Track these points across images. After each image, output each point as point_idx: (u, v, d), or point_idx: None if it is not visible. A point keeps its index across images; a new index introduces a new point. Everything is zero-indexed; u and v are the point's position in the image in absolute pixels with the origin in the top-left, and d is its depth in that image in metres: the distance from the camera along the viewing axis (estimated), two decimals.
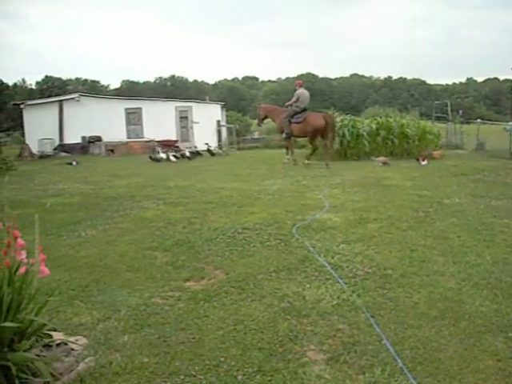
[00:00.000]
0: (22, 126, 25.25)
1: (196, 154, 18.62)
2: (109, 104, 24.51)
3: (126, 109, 24.13)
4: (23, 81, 64.61)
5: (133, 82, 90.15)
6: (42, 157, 21.24)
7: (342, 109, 26.60)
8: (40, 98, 34.38)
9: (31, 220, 2.78)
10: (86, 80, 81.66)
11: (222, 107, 28.51)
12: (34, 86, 63.68)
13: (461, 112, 23.79)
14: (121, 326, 3.38)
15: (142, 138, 22.44)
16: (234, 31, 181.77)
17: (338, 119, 16.42)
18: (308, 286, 4.09)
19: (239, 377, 2.73)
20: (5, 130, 36.08)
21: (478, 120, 20.28)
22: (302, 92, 14.08)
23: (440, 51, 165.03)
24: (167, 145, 19.46)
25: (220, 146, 23.46)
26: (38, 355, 2.56)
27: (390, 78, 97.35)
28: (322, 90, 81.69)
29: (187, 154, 17.95)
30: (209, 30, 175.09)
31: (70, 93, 31.32)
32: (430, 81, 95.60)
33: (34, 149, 21.90)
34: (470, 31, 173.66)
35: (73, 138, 22.92)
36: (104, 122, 22.60)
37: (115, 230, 6.25)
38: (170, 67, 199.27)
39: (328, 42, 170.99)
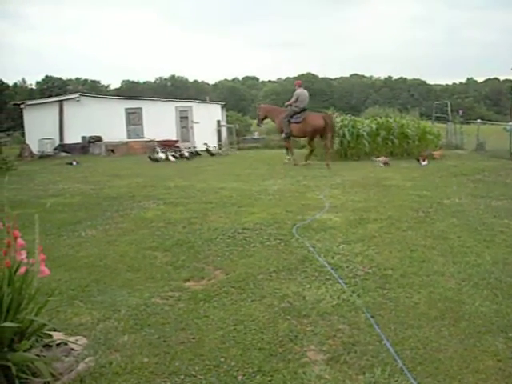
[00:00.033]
0: (22, 126, 25.26)
1: (195, 154, 18.62)
2: (109, 104, 24.50)
3: (127, 109, 24.13)
4: (23, 81, 64.70)
5: (133, 82, 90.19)
6: (42, 157, 21.25)
7: (342, 109, 26.62)
8: (40, 98, 34.40)
9: (31, 220, 2.78)
10: (86, 80, 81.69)
11: (222, 107, 28.50)
12: (34, 86, 63.76)
13: (461, 112, 23.80)
14: (121, 326, 3.38)
15: (143, 138, 22.42)
16: (234, 31, 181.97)
17: (338, 119, 16.44)
18: (308, 286, 4.09)
19: (239, 377, 2.73)
20: (5, 130, 36.09)
21: (478, 120, 20.29)
22: (302, 92, 14.08)
23: (440, 51, 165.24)
24: (167, 145, 19.46)
25: (220, 146, 23.47)
26: (38, 355, 2.56)
27: (390, 78, 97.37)
28: (322, 90, 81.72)
29: (186, 154, 17.96)
30: (209, 30, 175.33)
31: (71, 93, 31.34)
32: (430, 81, 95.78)
33: (34, 149, 21.90)
34: (470, 31, 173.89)
35: (73, 138, 22.93)
36: (104, 122, 22.60)
37: (115, 230, 6.25)
38: (170, 67, 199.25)
39: (328, 42, 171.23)
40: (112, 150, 21.52)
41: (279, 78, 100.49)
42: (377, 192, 8.73)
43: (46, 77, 64.45)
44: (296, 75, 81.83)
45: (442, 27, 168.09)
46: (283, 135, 14.49)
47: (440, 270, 4.42)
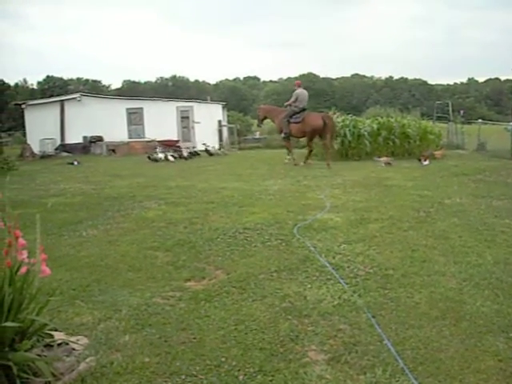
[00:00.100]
0: (23, 126, 25.29)
1: (194, 154, 18.62)
2: (110, 104, 24.52)
3: (128, 109, 24.15)
4: (24, 81, 64.84)
5: (134, 82, 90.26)
6: (44, 157, 21.27)
7: (343, 109, 26.57)
8: (41, 97, 34.48)
9: (32, 220, 2.78)
10: (87, 80, 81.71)
11: (224, 107, 28.52)
12: (35, 86, 63.91)
13: (462, 112, 23.79)
14: (122, 326, 3.38)
15: (144, 138, 22.44)
16: (234, 31, 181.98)
17: (339, 119, 16.44)
18: (309, 286, 4.09)
19: (240, 377, 2.73)
20: (6, 130, 36.12)
21: (479, 120, 20.27)
22: (301, 92, 14.08)
23: (440, 51, 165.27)
24: (168, 145, 19.48)
25: (221, 146, 23.47)
26: (39, 355, 2.56)
27: (391, 78, 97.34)
28: (323, 90, 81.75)
29: (184, 154, 17.96)
30: (209, 30, 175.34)
31: (72, 93, 31.38)
32: (431, 81, 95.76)
33: (36, 149, 21.93)
34: (470, 31, 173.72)
35: (74, 137, 22.96)
36: (105, 121, 22.62)
37: (116, 229, 6.26)
38: (171, 67, 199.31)
39: (328, 42, 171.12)
40: (113, 150, 21.52)
41: (280, 78, 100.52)
42: (378, 192, 8.72)
43: (47, 77, 64.59)
44: (297, 75, 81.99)
45: (442, 27, 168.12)
46: (282, 135, 14.50)
47: (441, 270, 4.42)
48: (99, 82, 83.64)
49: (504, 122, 24.44)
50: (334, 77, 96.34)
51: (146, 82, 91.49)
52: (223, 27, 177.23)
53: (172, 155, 17.52)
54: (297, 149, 16.60)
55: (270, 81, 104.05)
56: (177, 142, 21.03)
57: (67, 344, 2.79)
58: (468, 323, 3.34)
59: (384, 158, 13.84)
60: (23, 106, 23.99)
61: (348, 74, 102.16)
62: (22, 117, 24.49)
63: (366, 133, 15.67)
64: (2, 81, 46.19)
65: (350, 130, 15.64)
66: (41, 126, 22.56)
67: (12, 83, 53.49)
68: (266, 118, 15.57)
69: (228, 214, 6.95)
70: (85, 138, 22.99)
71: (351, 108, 47.43)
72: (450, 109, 23.42)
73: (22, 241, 2.67)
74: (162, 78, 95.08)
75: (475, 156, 16.05)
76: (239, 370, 2.79)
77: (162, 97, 33.33)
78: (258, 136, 29.98)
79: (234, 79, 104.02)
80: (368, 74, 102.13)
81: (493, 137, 18.28)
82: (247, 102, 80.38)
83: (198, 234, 5.84)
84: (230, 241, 5.52)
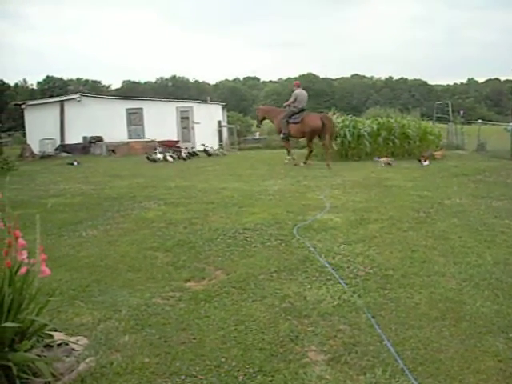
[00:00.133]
0: (23, 127, 25.30)
1: (193, 154, 18.62)
2: (110, 104, 24.53)
3: (127, 109, 24.16)
4: (24, 81, 64.87)
5: (134, 83, 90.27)
6: (43, 157, 21.27)
7: (343, 109, 26.61)
8: (41, 98, 34.50)
9: (32, 220, 2.78)
10: (87, 80, 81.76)
11: (223, 108, 28.54)
12: (35, 86, 63.95)
13: (462, 112, 23.83)
14: (122, 326, 3.38)
15: (143, 138, 22.45)
16: (234, 31, 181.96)
17: (339, 120, 16.45)
18: (309, 286, 4.09)
19: (240, 377, 2.73)
20: (6, 131, 36.11)
21: (479, 120, 20.28)
22: (300, 92, 14.09)
23: (440, 51, 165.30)
24: (168, 145, 19.46)
25: (220, 147, 23.47)
26: (38, 355, 2.56)
27: (390, 78, 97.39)
28: (323, 91, 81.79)
29: (183, 154, 17.96)
30: (209, 30, 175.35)
31: (71, 93, 31.40)
32: (431, 81, 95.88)
33: (36, 149, 21.93)
34: (470, 31, 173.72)
35: (74, 138, 22.96)
36: (105, 122, 22.63)
37: (116, 230, 6.26)
38: (171, 67, 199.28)
39: (328, 42, 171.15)
40: (113, 151, 21.53)
41: (280, 79, 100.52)
42: (378, 192, 8.73)
43: (47, 77, 64.62)
44: (297, 75, 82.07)
45: (442, 27, 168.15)
46: (281, 135, 14.51)
47: (441, 271, 4.42)
48: (99, 82, 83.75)
49: (504, 122, 24.48)
50: (333, 77, 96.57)
51: (145, 83, 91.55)
52: (223, 27, 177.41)
53: (171, 155, 17.53)
54: (297, 149, 16.62)
55: (270, 81, 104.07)
56: (177, 142, 21.02)
57: (67, 344, 2.79)
58: (468, 324, 3.34)
59: (384, 159, 13.84)
60: (23, 107, 24.00)
61: (348, 75, 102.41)
62: (22, 117, 24.50)
63: (365, 133, 15.67)
64: (1, 81, 46.23)
65: (349, 131, 15.64)
66: (41, 127, 22.57)
67: (12, 83, 53.63)
68: (265, 118, 15.61)
69: (228, 215, 6.95)
70: (84, 138, 22.99)
71: (351, 108, 47.48)
72: (450, 109, 23.44)
73: (21, 241, 2.67)
74: (161, 78, 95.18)
75: (475, 156, 16.05)
76: (239, 371, 2.79)
77: (162, 97, 33.38)
78: (257, 136, 30.00)
79: (234, 79, 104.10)
80: (368, 75, 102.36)
81: (493, 137, 18.29)
82: (247, 102, 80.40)
83: (197, 235, 5.84)
84: (229, 241, 5.52)
